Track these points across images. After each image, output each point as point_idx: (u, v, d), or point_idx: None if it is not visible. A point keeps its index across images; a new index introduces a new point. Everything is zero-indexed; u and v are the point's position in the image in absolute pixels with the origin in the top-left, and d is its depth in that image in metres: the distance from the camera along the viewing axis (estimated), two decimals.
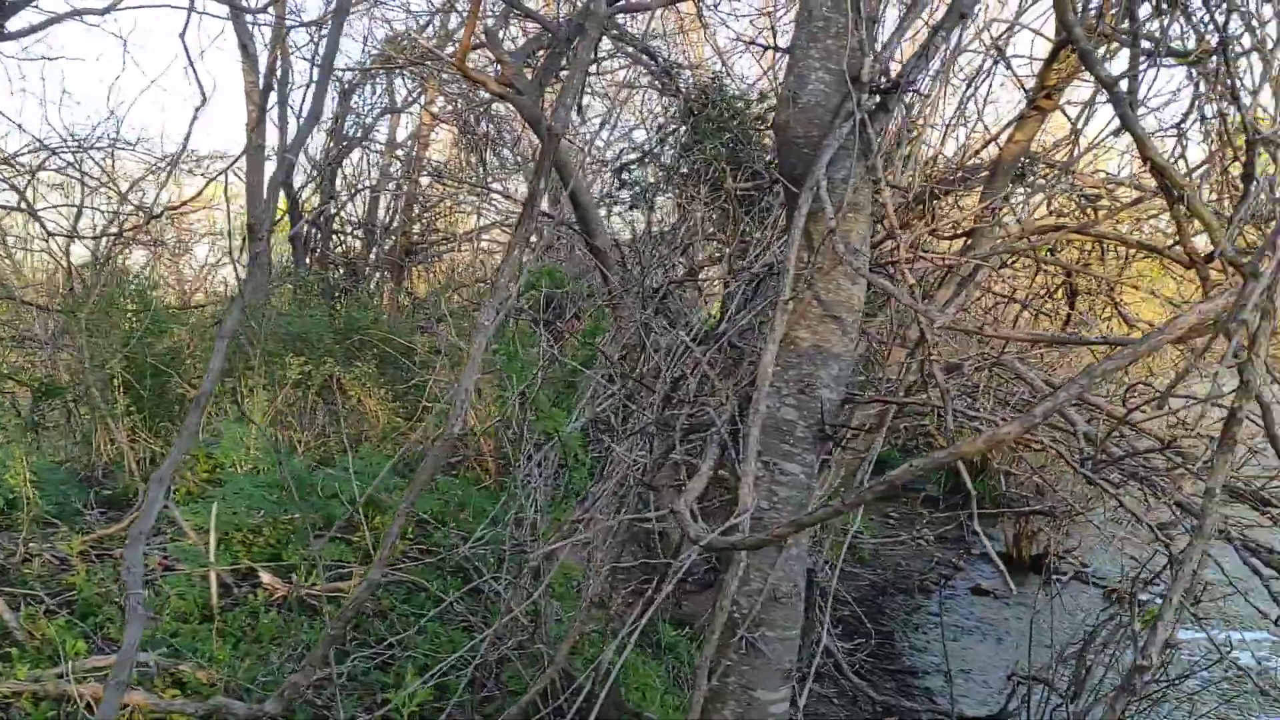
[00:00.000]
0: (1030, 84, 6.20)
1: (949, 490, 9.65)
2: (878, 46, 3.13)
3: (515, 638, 4.35)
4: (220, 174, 9.42)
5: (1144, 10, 5.16)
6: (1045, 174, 6.08)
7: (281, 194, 11.72)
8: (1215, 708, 5.59)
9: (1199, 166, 3.93)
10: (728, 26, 7.75)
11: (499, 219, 11.62)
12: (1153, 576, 5.71)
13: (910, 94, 3.01)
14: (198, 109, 9.16)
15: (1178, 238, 3.55)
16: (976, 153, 6.51)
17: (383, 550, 2.67)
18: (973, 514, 2.85)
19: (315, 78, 10.07)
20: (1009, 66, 6.24)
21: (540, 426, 4.49)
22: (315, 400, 7.24)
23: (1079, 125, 5.78)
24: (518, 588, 4.24)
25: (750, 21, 7.39)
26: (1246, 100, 3.64)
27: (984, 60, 6.64)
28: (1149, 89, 7.38)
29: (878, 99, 2.92)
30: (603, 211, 9.23)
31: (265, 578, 4.77)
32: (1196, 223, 3.32)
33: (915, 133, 5.82)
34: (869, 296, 5.31)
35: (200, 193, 9.70)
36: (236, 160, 9.38)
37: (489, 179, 11.33)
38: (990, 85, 6.19)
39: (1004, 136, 6.24)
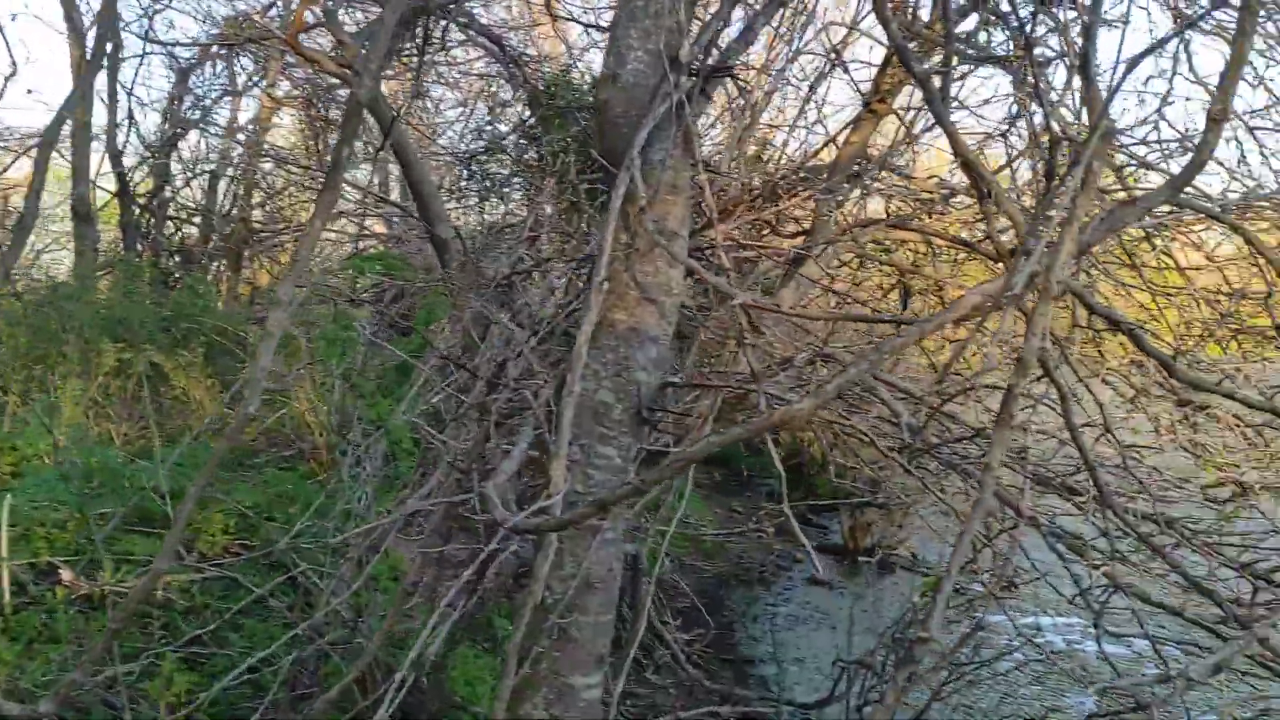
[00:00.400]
0: (866, 88, 6.40)
1: (791, 484, 9.86)
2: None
3: (336, 632, 4.21)
4: (24, 151, 8.81)
5: (971, 20, 5.38)
6: (880, 174, 6.28)
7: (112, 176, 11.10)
8: (1028, 689, 5.87)
9: (1005, 164, 4.13)
10: (576, 20, 7.69)
11: (349, 207, 11.28)
12: (967, 561, 5.95)
13: (730, 79, 3.02)
14: (7, 79, 8.52)
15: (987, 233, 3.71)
16: (817, 153, 6.68)
17: (170, 539, 2.52)
18: (782, 497, 2.89)
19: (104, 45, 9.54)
20: (846, 70, 6.42)
21: (368, 415, 4.35)
22: (137, 389, 6.85)
23: (912, 128, 6.00)
24: (339, 580, 4.09)
25: (598, 15, 7.36)
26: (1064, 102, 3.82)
27: (823, 63, 6.82)
28: (972, 92, 7.70)
29: (697, 81, 2.93)
30: (454, 204, 9.07)
31: (65, 575, 4.46)
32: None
33: (750, 122, 5.93)
34: (704, 288, 5.38)
35: (6, 169, 9.05)
36: (51, 136, 8.79)
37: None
38: (828, 87, 6.35)
39: (842, 138, 6.42)
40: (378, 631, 3.39)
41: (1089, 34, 1.99)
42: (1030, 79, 3.51)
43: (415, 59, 7.70)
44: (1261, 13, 5.40)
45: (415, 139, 10.41)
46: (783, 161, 6.99)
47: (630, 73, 2.87)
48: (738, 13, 5.10)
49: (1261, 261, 5.80)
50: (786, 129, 7.39)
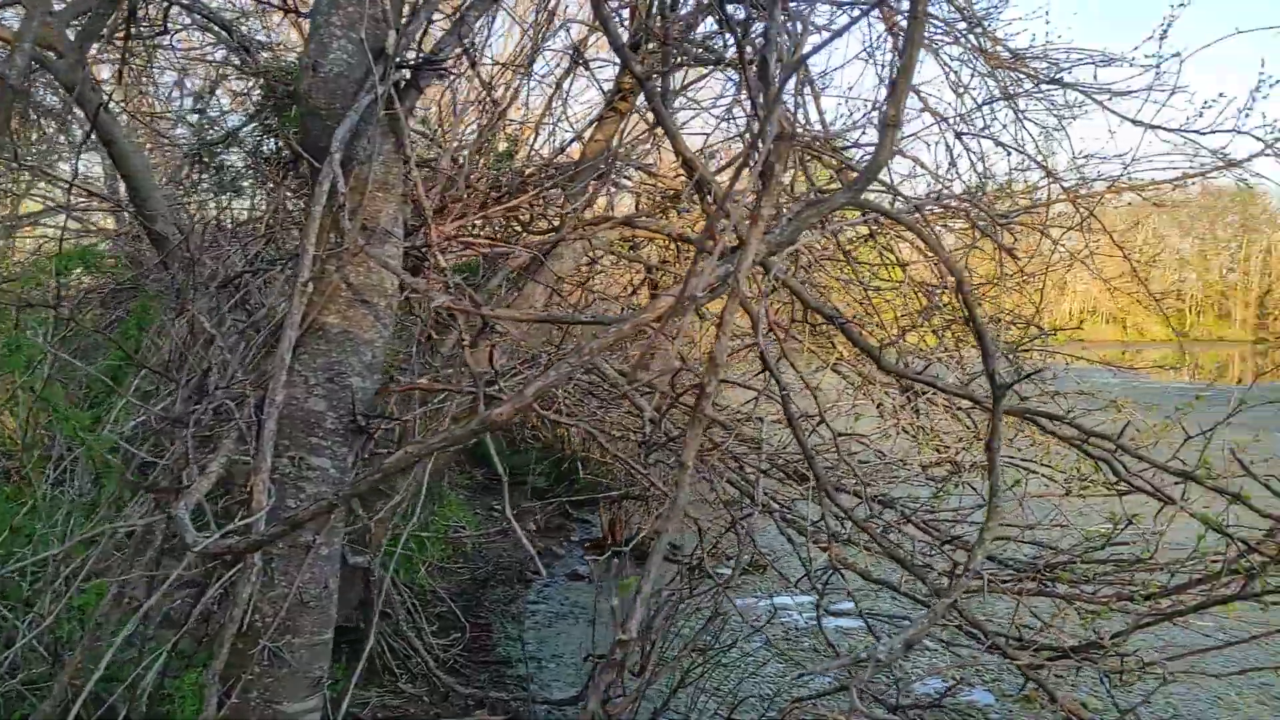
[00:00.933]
0: (609, 86, 6.45)
1: (554, 480, 9.89)
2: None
3: (34, 669, 3.82)
4: None
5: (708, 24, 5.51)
6: (626, 172, 6.36)
7: None
8: (773, 666, 6.11)
9: (727, 165, 4.26)
10: (271, 5, 7.31)
11: (70, 203, 10.29)
12: (713, 547, 6.14)
13: (443, 73, 2.93)
14: None
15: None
16: (563, 149, 6.69)
17: None
18: (505, 496, 2.84)
19: None
20: (587, 67, 6.45)
21: (66, 430, 3.95)
22: None
23: (654, 127, 6.09)
24: (35, 613, 3.70)
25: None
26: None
27: (568, 61, 6.83)
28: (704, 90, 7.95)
29: (407, 74, 2.82)
30: (191, 198, 8.44)
31: None
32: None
33: (496, 118, 5.85)
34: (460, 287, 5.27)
35: None
36: None
37: (54, 157, 10.02)
38: (571, 83, 6.35)
39: (588, 135, 6.45)
40: (69, 663, 3.08)
41: (766, 39, 2.04)
42: (746, 80, 3.63)
43: (140, 42, 7.12)
44: (962, 26, 5.86)
45: (141, 129, 9.67)
46: (531, 158, 6.96)
47: (333, 62, 2.72)
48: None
49: (979, 255, 6.31)
50: (536, 125, 7.38)
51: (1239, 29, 5.30)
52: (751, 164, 3.15)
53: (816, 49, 1.87)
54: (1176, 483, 3.85)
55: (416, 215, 3.20)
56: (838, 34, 1.90)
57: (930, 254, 6.03)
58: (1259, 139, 5.15)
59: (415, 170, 2.70)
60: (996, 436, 2.39)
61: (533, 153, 6.91)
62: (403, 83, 2.80)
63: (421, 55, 2.87)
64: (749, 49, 3.52)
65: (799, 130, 4.83)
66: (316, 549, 2.74)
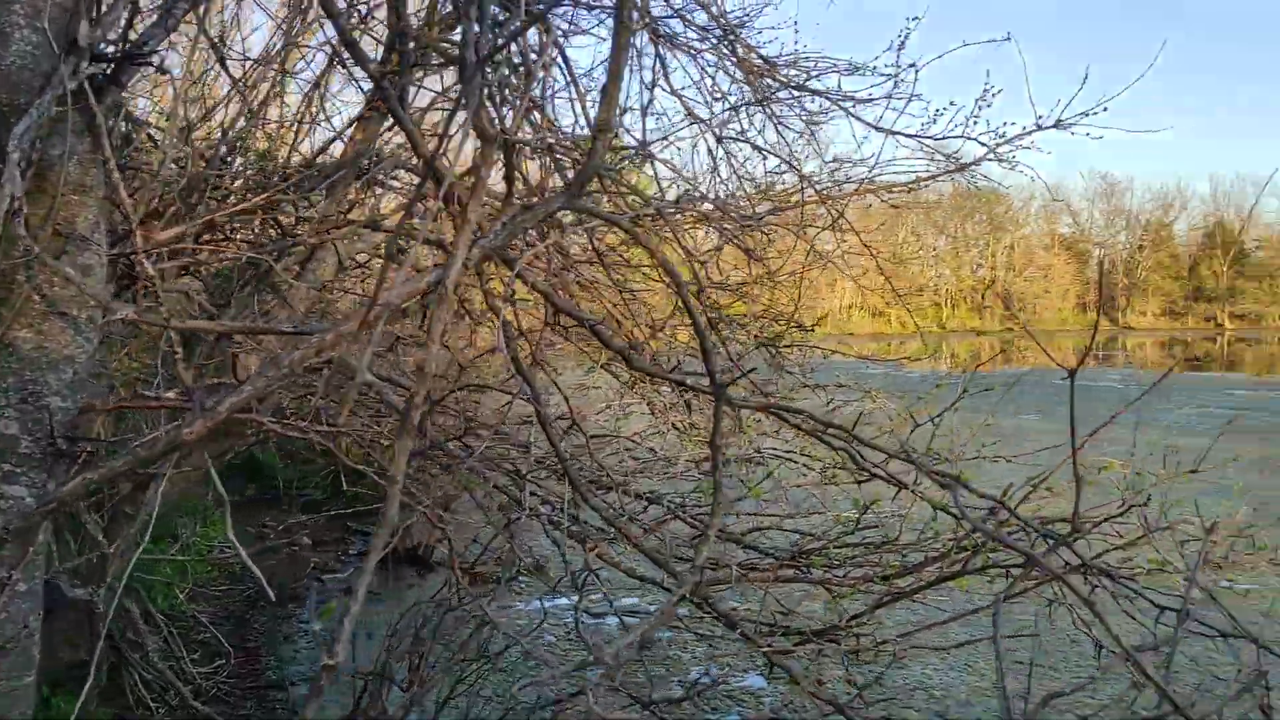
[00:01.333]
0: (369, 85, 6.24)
1: (333, 492, 9.54)
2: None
3: None
4: None
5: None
6: (390, 172, 6.19)
7: None
8: (558, 668, 6.10)
9: (469, 170, 4.21)
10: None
11: None
12: (482, 552, 6.08)
13: (152, 67, 2.73)
14: None
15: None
16: (324, 149, 6.44)
17: None
18: (227, 520, 2.69)
19: None
20: (344, 66, 6.24)
21: None
22: None
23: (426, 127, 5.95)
24: None
25: None
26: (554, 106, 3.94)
27: (323, 58, 6.58)
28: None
29: (107, 69, 2.62)
30: None
31: None
32: None
33: (254, 114, 5.57)
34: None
35: None
36: None
37: None
38: (328, 82, 6.11)
39: (349, 135, 6.23)
40: None
41: (464, 39, 2.01)
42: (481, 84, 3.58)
43: None
44: (719, 31, 6.03)
45: None
46: (290, 158, 6.67)
47: (15, 55, 2.49)
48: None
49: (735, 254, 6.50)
50: (296, 125, 7.07)
51: (966, 42, 5.69)
52: (443, 164, 3.12)
53: (492, 51, 1.84)
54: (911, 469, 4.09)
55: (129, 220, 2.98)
56: (516, 34, 1.89)
57: (695, 254, 6.20)
58: (983, 144, 5.54)
59: (116, 172, 2.51)
60: (718, 433, 2.46)
61: (291, 153, 6.63)
62: (100, 77, 2.59)
63: (124, 48, 2.67)
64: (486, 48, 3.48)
65: (547, 133, 4.83)
66: (12, 586, 2.50)
